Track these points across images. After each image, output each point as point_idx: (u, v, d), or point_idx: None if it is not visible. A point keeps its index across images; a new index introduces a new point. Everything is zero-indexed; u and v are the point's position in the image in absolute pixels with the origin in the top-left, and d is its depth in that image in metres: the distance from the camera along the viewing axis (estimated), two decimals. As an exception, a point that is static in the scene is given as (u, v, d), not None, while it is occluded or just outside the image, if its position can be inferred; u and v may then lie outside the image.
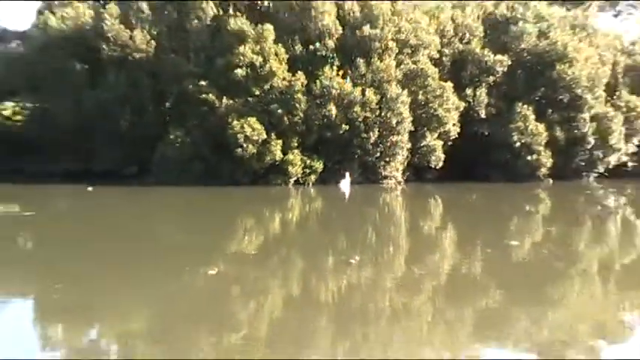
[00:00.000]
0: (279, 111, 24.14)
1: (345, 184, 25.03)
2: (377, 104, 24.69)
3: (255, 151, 23.75)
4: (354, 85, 24.71)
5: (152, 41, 25.49)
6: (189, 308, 8.38)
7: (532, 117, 27.70)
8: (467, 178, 27.00)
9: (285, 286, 10.02)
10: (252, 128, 23.57)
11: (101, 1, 27.31)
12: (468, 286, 9.94)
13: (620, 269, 11.77)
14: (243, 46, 24.25)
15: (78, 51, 25.96)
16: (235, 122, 23.59)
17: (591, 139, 28.82)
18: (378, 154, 25.56)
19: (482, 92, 27.47)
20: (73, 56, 26.00)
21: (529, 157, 27.82)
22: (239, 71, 24.08)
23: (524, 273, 10.92)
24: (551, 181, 28.68)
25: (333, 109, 24.26)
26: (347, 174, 25.24)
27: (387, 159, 25.79)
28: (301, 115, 24.33)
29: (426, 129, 26.20)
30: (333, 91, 24.36)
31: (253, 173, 24.40)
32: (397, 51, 25.87)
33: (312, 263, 11.55)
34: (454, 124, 26.54)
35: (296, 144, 24.67)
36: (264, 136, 23.83)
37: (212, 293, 9.08)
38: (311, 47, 25.11)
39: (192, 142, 24.42)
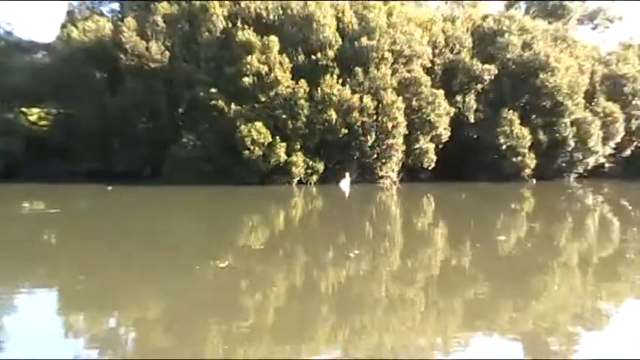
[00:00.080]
0: (284, 116, 24.16)
1: (345, 184, 25.04)
2: (374, 110, 24.70)
3: (261, 153, 23.77)
4: (353, 92, 24.71)
5: (166, 52, 25.52)
6: (201, 298, 8.38)
7: (517, 121, 27.69)
8: (457, 178, 27.00)
9: (290, 277, 10.02)
10: (258, 132, 23.59)
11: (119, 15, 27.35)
12: (458, 278, 9.94)
13: (598, 262, 11.78)
14: (250, 56, 24.26)
15: (98, 61, 26.01)
16: (243, 126, 23.61)
17: (571, 142, 28.81)
18: (375, 156, 25.56)
19: (471, 99, 27.46)
20: (94, 66, 26.07)
21: (514, 159, 27.81)
22: (246, 79, 24.10)
23: (510, 266, 10.93)
24: (534, 180, 28.66)
25: (333, 115, 24.27)
26: (347, 174, 25.25)
27: (383, 160, 25.79)
28: (304, 119, 24.34)
29: (419, 133, 26.19)
30: (334, 98, 24.36)
31: (260, 174, 24.40)
32: (392, 61, 25.87)
33: (315, 257, 11.56)
34: (445, 128, 26.53)
35: (299, 146, 24.67)
36: (270, 140, 23.85)
37: (222, 284, 9.08)
38: (313, 57, 25.11)
39: (203, 144, 24.43)
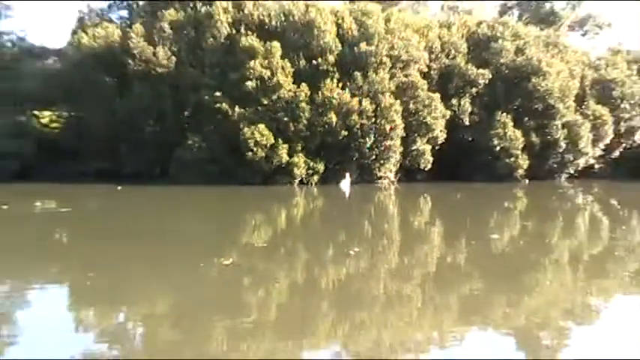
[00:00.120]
0: (286, 119, 24.16)
1: (346, 184, 25.04)
2: (372, 113, 24.70)
3: (264, 154, 23.77)
4: (352, 95, 24.70)
5: (173, 57, 25.51)
6: (206, 295, 8.39)
7: (510, 124, 27.67)
8: (453, 178, 26.98)
9: (291, 274, 10.02)
10: (261, 134, 23.60)
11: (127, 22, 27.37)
12: (454, 275, 9.94)
13: (588, 259, 11.78)
14: (253, 61, 24.26)
15: (107, 66, 26.02)
16: (246, 129, 23.62)
17: (563, 144, 28.78)
18: (374, 157, 25.55)
19: (466, 102, 27.44)
20: (103, 71, 26.08)
21: (508, 160, 27.79)
22: (250, 83, 24.10)
23: (504, 263, 10.93)
24: (527, 181, 28.64)
25: (333, 117, 24.27)
26: (347, 174, 25.25)
27: (382, 161, 25.78)
28: (305, 122, 24.34)
29: (416, 135, 26.18)
30: (334, 101, 24.36)
31: (262, 174, 24.40)
32: (390, 65, 25.86)
33: (315, 254, 11.56)
34: (441, 131, 26.51)
35: (300, 148, 24.67)
36: (272, 141, 23.85)
37: (226, 281, 9.09)
38: (314, 62, 25.10)
39: (208, 146, 24.44)
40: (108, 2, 33.67)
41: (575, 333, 7.08)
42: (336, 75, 25.10)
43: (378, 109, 24.82)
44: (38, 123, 29.63)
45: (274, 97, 24.30)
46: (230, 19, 25.89)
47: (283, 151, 24.04)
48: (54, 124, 29.81)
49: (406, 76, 26.11)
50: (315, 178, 25.23)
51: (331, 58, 25.21)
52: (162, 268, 9.99)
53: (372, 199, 22.84)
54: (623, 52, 35.72)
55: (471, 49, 28.71)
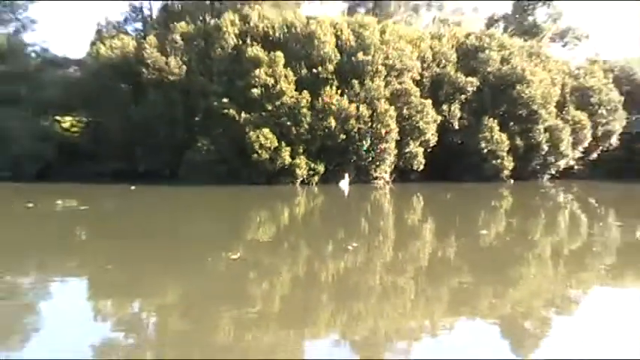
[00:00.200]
0: (288, 123, 24.15)
1: (345, 184, 25.03)
2: (369, 118, 24.68)
3: (268, 156, 23.77)
4: (350, 101, 24.68)
5: (184, 66, 25.52)
6: (215, 286, 8.39)
7: (497, 128, 27.65)
8: (443, 179, 26.96)
9: (294, 268, 10.02)
10: (265, 137, 23.60)
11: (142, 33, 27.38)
12: (445, 268, 9.95)
13: (568, 254, 11.79)
14: (258, 70, 24.27)
15: (123, 75, 26.02)
16: (252, 132, 23.62)
17: (545, 147, 28.77)
18: (370, 159, 25.54)
19: (455, 108, 27.42)
20: (120, 79, 26.08)
21: (494, 162, 27.77)
22: (255, 90, 24.10)
23: (491, 257, 10.93)
24: (512, 181, 28.62)
25: (332, 122, 24.25)
26: (346, 175, 25.24)
27: (377, 163, 25.77)
28: (306, 126, 24.33)
29: (409, 138, 26.16)
30: (333, 107, 24.35)
31: (267, 175, 24.39)
32: (385, 74, 25.85)
33: (316, 249, 11.56)
34: (433, 134, 26.49)
35: (302, 150, 24.65)
36: (276, 144, 23.84)
37: (233, 274, 9.09)
38: (314, 71, 25.10)
39: (217, 149, 24.44)
40: (124, 16, 33.81)
41: (556, 322, 7.09)
42: (335, 83, 25.09)
43: (374, 114, 24.81)
44: (60, 127, 29.65)
45: (278, 103, 24.30)
46: (237, 31, 25.90)
47: (286, 153, 24.03)
48: (74, 129, 29.84)
49: (400, 83, 26.10)
50: (316, 178, 25.22)
51: (330, 67, 25.20)
52: (173, 262, 9.98)
53: (368, 198, 22.83)
54: (600, 61, 35.80)
55: (460, 58, 28.69)
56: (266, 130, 23.72)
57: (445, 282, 8.89)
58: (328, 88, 24.76)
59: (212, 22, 27.22)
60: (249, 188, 23.47)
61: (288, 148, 24.14)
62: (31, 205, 17.40)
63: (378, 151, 25.30)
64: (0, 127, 25.17)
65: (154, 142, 25.44)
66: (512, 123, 28.49)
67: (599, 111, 30.94)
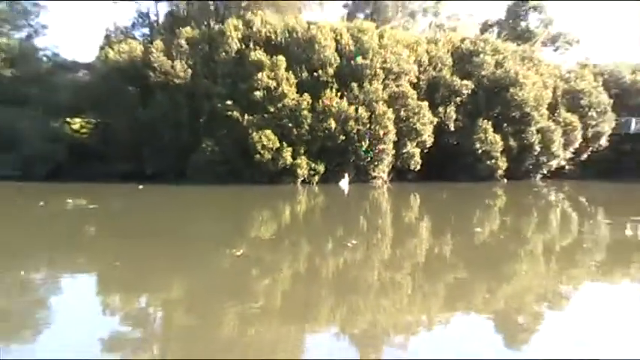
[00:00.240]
0: (290, 125, 24.13)
1: (344, 183, 25.00)
2: (367, 119, 24.65)
3: (270, 156, 23.74)
4: (349, 104, 24.65)
5: (189, 70, 25.49)
6: (219, 282, 8.40)
7: (491, 130, 27.61)
8: (439, 178, 26.92)
9: (295, 264, 10.03)
10: (268, 138, 23.58)
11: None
12: (440, 265, 9.95)
13: (559, 250, 11.80)
14: (261, 73, 24.24)
15: (131, 78, 25.97)
16: (255, 134, 23.60)
17: (537, 148, 28.73)
18: (369, 159, 25.52)
19: (451, 110, 27.39)
20: (127, 82, 26.02)
21: (488, 162, 27.73)
22: (258, 93, 24.08)
23: (485, 254, 10.94)
24: (506, 180, 28.60)
25: (332, 123, 24.23)
26: (346, 174, 25.22)
27: (376, 163, 25.74)
28: (307, 128, 24.31)
29: (406, 139, 26.12)
30: (333, 109, 24.32)
31: (269, 174, 24.37)
32: (383, 77, 25.81)
33: (317, 246, 11.57)
34: (429, 135, 26.46)
35: (303, 151, 24.63)
36: (278, 145, 23.82)
37: (237, 270, 9.10)
38: (315, 74, 25.06)
39: (221, 150, 24.41)
40: (131, 21, 33.82)
41: (548, 316, 7.10)
42: (335, 85, 25.05)
43: (373, 116, 24.78)
44: (70, 129, 29.63)
45: (279, 105, 24.27)
46: (240, 36, 25.86)
47: (288, 153, 24.02)
48: (83, 130, 29.82)
49: (397, 86, 26.06)
50: (316, 178, 25.20)
51: (330, 71, 25.17)
52: (179, 258, 9.99)
53: (367, 197, 22.83)
54: (590, 65, 35.78)
55: (455, 62, 28.65)
56: (268, 132, 23.71)
57: (441, 278, 8.90)
58: (328, 90, 24.72)
59: (216, 27, 27.17)
60: (252, 188, 23.46)
61: (290, 149, 24.13)
62: (42, 203, 17.41)
63: (377, 151, 25.27)
64: (12, 129, 25.16)
65: (160, 143, 25.41)
66: (505, 124, 28.46)
67: (589, 113, 30.90)
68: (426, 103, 26.21)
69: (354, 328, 6.56)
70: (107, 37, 32.08)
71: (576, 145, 30.60)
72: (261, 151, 23.52)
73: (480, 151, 27.40)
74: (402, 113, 25.78)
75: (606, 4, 70.66)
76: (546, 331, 6.46)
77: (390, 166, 26.64)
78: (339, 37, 26.24)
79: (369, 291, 8.07)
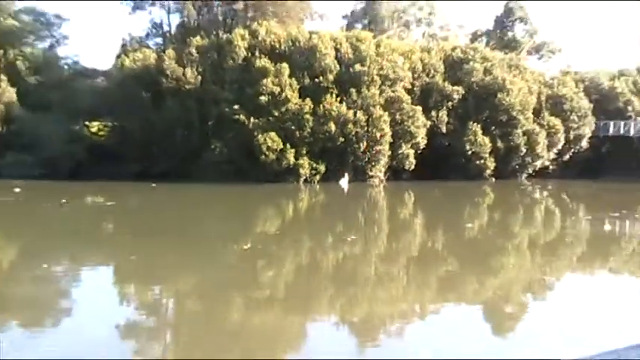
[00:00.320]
0: (293, 127, 24.11)
1: (344, 182, 24.98)
2: (365, 122, 24.62)
3: (274, 157, 23.73)
4: (348, 108, 24.61)
5: (199, 76, 25.48)
6: (228, 274, 8.41)
7: (480, 132, 27.58)
8: (433, 177, 26.85)
9: (298, 257, 10.04)
10: (272, 140, 23.57)
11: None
12: (433, 258, 9.97)
13: (543, 244, 11.80)
14: (266, 80, 24.22)
15: (145, 84, 25.93)
16: (260, 136, 23.59)
17: (523, 149, 28.73)
18: (366, 160, 25.50)
19: (443, 114, 27.37)
20: (142, 88, 25.97)
21: (478, 162, 27.72)
22: (263, 98, 24.07)
23: (475, 248, 10.95)
24: (494, 179, 28.57)
25: (332, 126, 24.21)
26: (346, 174, 25.18)
27: (373, 163, 25.70)
28: (309, 130, 24.29)
29: (401, 141, 26.08)
30: (333, 113, 24.31)
31: (273, 174, 24.33)
32: (380, 83, 25.77)
33: (318, 241, 11.58)
34: (423, 137, 26.41)
35: (305, 152, 24.61)
36: (282, 146, 23.80)
37: (245, 263, 9.11)
38: (316, 80, 25.04)
39: (228, 151, 24.39)
40: (146, 32, 33.83)
41: (532, 305, 7.12)
42: (335, 91, 25.02)
43: (370, 119, 24.75)
44: (88, 131, 29.61)
45: (283, 109, 24.26)
46: (246, 45, 25.85)
47: (291, 154, 24.00)
48: (101, 132, 29.80)
49: (393, 92, 26.02)
50: (318, 177, 25.17)
51: (331, 77, 25.15)
52: (191, 251, 10.01)
53: (365, 195, 22.83)
54: (572, 73, 35.86)
55: (447, 69, 28.60)
56: (272, 134, 23.69)
57: (434, 270, 8.91)
58: (329, 95, 24.69)
59: (224, 36, 27.13)
60: (257, 186, 23.45)
61: (293, 150, 24.10)
62: (64, 201, 17.44)
63: (374, 152, 25.26)
64: (36, 131, 25.25)
65: (172, 144, 25.40)
66: (493, 127, 28.43)
67: (571, 117, 30.89)
68: (419, 108, 26.17)
69: (353, 316, 6.57)
70: (123, 46, 32.07)
71: (559, 146, 30.58)
72: (266, 152, 23.50)
73: (470, 152, 27.38)
74: (398, 117, 25.75)
75: (587, 15, 70.60)
76: (531, 319, 6.48)
77: (386, 166, 26.59)
78: (338, 46, 26.21)
79: (367, 282, 8.09)
